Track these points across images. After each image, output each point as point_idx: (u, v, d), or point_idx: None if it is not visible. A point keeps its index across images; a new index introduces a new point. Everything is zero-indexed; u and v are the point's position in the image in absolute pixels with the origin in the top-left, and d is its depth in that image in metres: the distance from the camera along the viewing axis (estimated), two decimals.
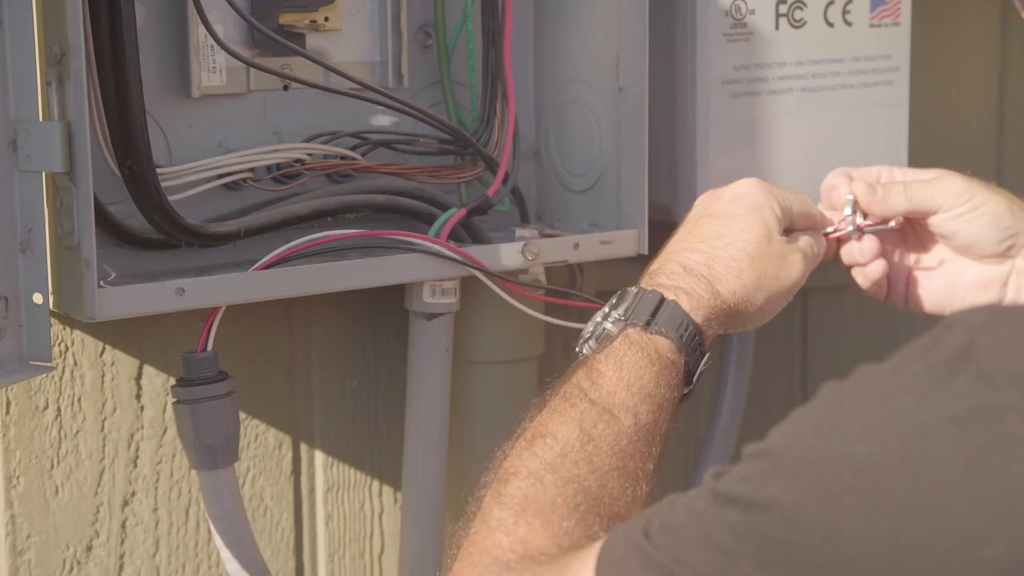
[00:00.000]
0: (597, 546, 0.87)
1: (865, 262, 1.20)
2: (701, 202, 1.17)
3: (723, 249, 1.10)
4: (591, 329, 1.08)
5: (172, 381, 1.29)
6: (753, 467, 0.79)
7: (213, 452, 1.21)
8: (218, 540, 1.24)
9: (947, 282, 1.22)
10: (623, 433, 1.01)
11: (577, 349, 1.08)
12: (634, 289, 1.08)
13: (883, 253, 1.21)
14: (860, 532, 0.73)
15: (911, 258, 1.23)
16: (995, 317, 0.75)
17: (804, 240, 1.15)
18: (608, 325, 1.06)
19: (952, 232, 1.19)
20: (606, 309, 1.08)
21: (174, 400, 1.22)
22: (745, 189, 1.15)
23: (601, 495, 0.97)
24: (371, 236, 1.25)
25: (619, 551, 0.84)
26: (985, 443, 0.71)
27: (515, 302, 1.31)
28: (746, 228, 1.11)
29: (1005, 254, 1.19)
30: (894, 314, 1.77)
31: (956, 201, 1.17)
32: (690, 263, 1.10)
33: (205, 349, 1.20)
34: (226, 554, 1.24)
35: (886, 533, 0.72)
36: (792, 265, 1.13)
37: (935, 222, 1.19)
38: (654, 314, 1.06)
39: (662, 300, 1.06)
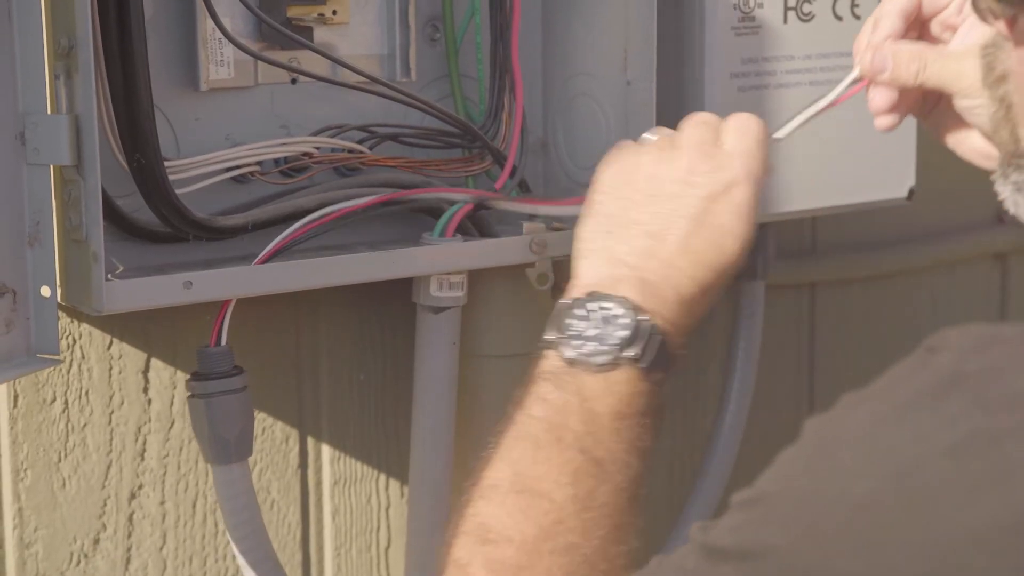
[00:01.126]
0: None
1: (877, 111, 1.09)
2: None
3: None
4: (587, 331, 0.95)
5: (180, 374, 1.29)
6: (743, 516, 0.76)
7: (227, 446, 1.21)
8: (231, 535, 1.24)
9: None
10: (619, 489, 0.92)
11: (570, 355, 0.95)
12: (648, 324, 0.94)
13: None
14: (859, 572, 0.71)
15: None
16: (983, 341, 0.73)
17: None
18: (613, 355, 0.94)
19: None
20: (611, 314, 0.95)
21: (189, 394, 1.22)
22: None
23: (596, 560, 0.90)
24: (376, 205, 1.25)
25: None
26: (983, 472, 0.69)
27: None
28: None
29: None
30: (901, 307, 1.77)
31: (959, 93, 1.03)
32: (681, 289, 0.98)
33: (218, 343, 1.20)
34: (239, 548, 1.24)
35: (886, 572, 0.70)
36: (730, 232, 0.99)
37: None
38: (656, 357, 0.94)
39: (663, 342, 0.95)
